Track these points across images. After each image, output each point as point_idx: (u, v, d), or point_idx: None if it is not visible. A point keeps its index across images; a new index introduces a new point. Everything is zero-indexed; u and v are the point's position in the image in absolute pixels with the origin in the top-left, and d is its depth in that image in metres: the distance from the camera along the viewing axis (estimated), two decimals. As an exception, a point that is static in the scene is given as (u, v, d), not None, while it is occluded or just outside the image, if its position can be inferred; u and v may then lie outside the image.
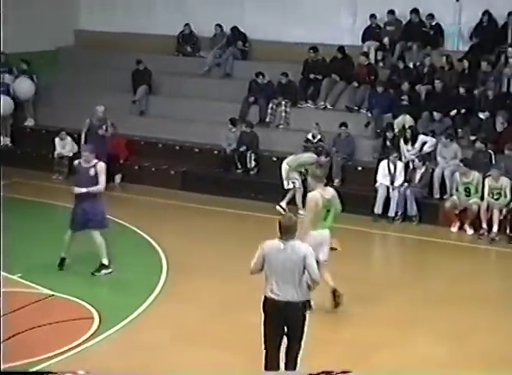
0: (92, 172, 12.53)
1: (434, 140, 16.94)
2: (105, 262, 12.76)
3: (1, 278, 10.97)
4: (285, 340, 8.75)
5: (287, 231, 8.56)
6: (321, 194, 11.19)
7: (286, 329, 8.69)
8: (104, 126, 18.47)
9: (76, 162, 13.05)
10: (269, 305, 8.66)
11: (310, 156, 16.77)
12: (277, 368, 8.84)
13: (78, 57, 22.87)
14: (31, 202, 17.22)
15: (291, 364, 8.84)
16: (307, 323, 8.77)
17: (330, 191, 11.39)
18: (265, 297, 8.70)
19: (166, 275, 12.90)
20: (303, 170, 16.30)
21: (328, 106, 19.34)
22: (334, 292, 11.45)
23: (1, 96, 20.09)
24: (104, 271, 12.77)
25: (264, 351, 8.83)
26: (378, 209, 16.30)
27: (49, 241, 14.54)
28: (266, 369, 9.04)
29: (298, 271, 8.54)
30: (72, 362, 9.83)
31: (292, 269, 8.53)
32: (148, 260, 13.73)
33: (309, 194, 11.32)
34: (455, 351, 10.50)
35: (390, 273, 13.63)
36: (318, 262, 10.03)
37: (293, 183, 16.38)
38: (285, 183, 16.51)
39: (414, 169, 16.48)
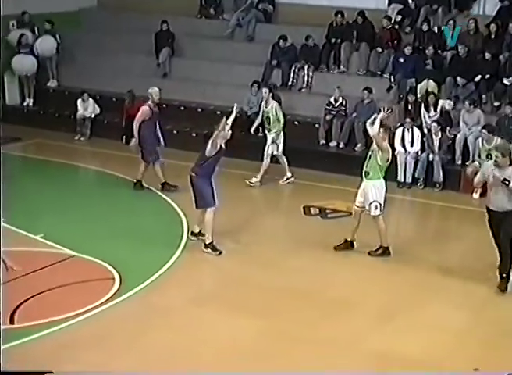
0: None
1: (451, 103, 16.79)
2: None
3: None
4: None
5: None
6: None
7: None
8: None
9: None
10: None
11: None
12: None
13: (100, 18, 22.77)
14: (53, 163, 17.29)
15: None
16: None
17: None
18: None
19: (187, 238, 12.93)
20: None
21: (352, 71, 19.21)
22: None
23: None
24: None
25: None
26: (400, 177, 16.23)
27: (71, 202, 14.65)
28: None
29: None
30: (90, 322, 9.97)
31: None
32: (170, 223, 13.77)
33: None
34: (472, 320, 10.49)
35: (409, 240, 13.58)
36: None
37: None
38: None
39: (431, 135, 16.34)
